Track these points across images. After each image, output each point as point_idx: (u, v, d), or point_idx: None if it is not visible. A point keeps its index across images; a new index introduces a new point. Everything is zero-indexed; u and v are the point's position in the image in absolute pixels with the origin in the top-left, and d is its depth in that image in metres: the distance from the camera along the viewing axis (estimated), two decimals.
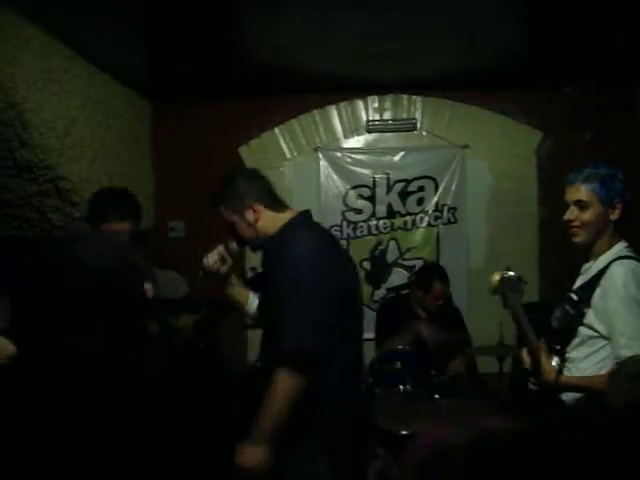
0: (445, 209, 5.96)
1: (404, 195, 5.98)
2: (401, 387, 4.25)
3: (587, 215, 2.64)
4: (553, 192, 5.67)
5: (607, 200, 2.63)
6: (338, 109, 5.99)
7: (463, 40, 4.52)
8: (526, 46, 4.78)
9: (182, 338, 3.66)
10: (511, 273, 2.38)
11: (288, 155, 6.02)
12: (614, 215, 2.64)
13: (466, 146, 5.91)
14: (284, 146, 6.01)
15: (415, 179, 5.97)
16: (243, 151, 5.99)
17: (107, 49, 4.50)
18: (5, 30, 3.55)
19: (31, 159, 4.03)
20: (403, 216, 5.99)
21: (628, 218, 2.68)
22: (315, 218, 5.99)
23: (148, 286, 1.82)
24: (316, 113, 5.99)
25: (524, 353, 2.75)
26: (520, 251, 5.84)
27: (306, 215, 2.93)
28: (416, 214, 5.99)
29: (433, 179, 5.96)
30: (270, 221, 2.86)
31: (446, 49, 4.72)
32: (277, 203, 2.91)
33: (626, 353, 2.40)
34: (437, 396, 4.20)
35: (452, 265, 5.85)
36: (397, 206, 5.99)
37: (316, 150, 5.99)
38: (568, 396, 2.58)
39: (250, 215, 2.88)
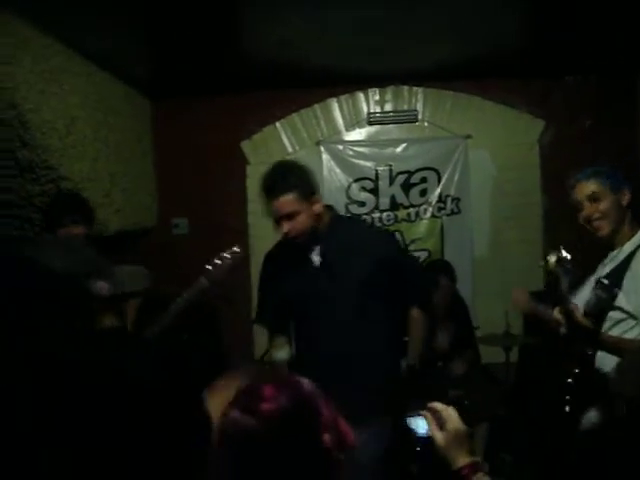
0: (448, 200, 5.95)
1: (407, 187, 5.97)
2: None
3: (602, 205, 2.72)
4: (556, 181, 5.69)
5: (615, 188, 2.73)
6: (339, 102, 5.98)
7: (463, 30, 4.50)
8: (527, 36, 4.76)
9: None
10: (566, 254, 2.43)
11: (290, 149, 6.01)
12: (625, 200, 2.73)
13: (468, 136, 5.90)
14: (286, 140, 6.00)
15: (418, 170, 5.95)
16: (245, 146, 5.99)
17: (106, 47, 4.49)
18: (4, 30, 3.54)
19: (33, 159, 4.03)
20: (406, 208, 5.98)
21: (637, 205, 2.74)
22: None
23: (102, 284, 1.84)
24: (317, 107, 5.98)
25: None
26: (524, 240, 5.84)
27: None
28: (419, 205, 5.98)
29: (436, 170, 5.94)
30: (323, 214, 3.08)
31: (447, 40, 4.71)
32: None
33: None
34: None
35: (456, 255, 5.87)
36: (400, 198, 5.98)
37: (318, 144, 5.98)
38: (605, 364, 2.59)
39: (318, 206, 3.03)
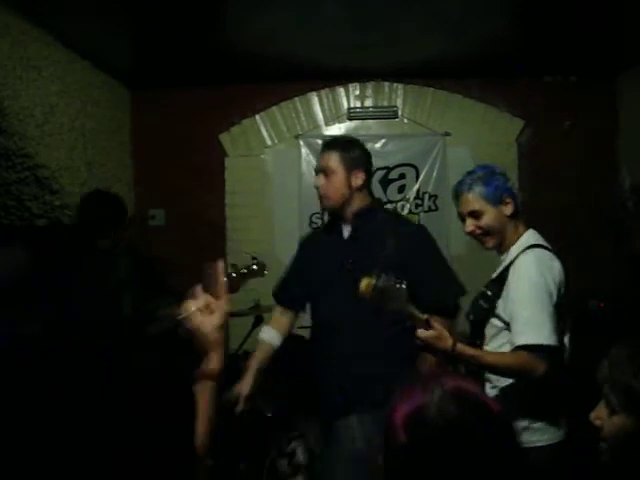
0: (426, 197, 5.96)
1: (385, 183, 5.98)
2: None
3: (484, 221, 2.67)
4: (533, 180, 5.76)
5: (495, 199, 2.67)
6: (319, 96, 5.97)
7: (445, 29, 4.52)
8: (508, 35, 4.78)
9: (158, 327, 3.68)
10: (387, 278, 2.25)
11: (269, 142, 5.99)
12: (507, 210, 2.67)
13: (447, 134, 5.91)
14: (265, 133, 5.98)
15: (396, 167, 5.96)
16: (224, 138, 5.97)
17: (87, 35, 4.46)
18: None
19: (9, 147, 3.99)
20: (384, 204, 5.98)
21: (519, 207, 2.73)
22: (296, 206, 6.01)
23: None
24: (297, 100, 5.96)
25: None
26: None
27: None
28: (397, 202, 5.98)
29: (414, 167, 5.95)
30: (363, 197, 3.13)
31: (428, 37, 4.72)
32: None
33: (518, 340, 2.40)
34: None
35: None
36: (378, 194, 5.96)
37: (297, 137, 5.96)
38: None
39: (359, 179, 3.08)
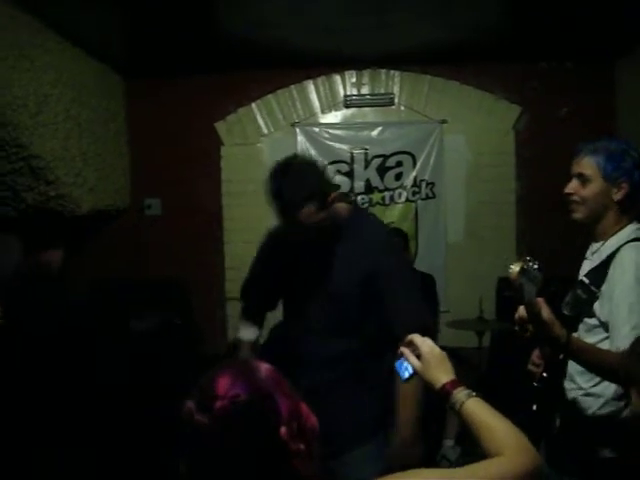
0: (423, 184, 5.94)
1: (382, 170, 5.96)
2: None
3: (587, 191, 2.44)
4: (530, 167, 5.75)
5: (611, 177, 2.41)
6: (315, 84, 5.94)
7: (441, 15, 4.48)
8: (505, 21, 4.75)
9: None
10: (533, 264, 2.15)
11: (265, 131, 5.97)
12: (618, 195, 2.42)
13: (444, 121, 5.89)
14: (261, 122, 5.96)
15: (393, 154, 5.94)
16: (220, 127, 5.94)
17: (80, 24, 4.42)
18: None
19: (3, 137, 3.97)
20: (381, 191, 5.97)
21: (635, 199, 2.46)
22: None
23: None
24: (293, 88, 5.93)
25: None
26: (497, 226, 5.86)
27: None
28: (394, 189, 5.97)
29: (411, 154, 5.94)
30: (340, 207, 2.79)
31: (425, 23, 4.68)
32: None
33: (625, 345, 2.13)
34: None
35: (430, 240, 5.89)
36: (375, 181, 5.97)
37: (293, 125, 5.94)
38: (573, 385, 2.46)
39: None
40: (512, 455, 1.43)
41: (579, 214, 2.48)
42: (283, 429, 1.24)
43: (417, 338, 1.76)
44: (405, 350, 1.77)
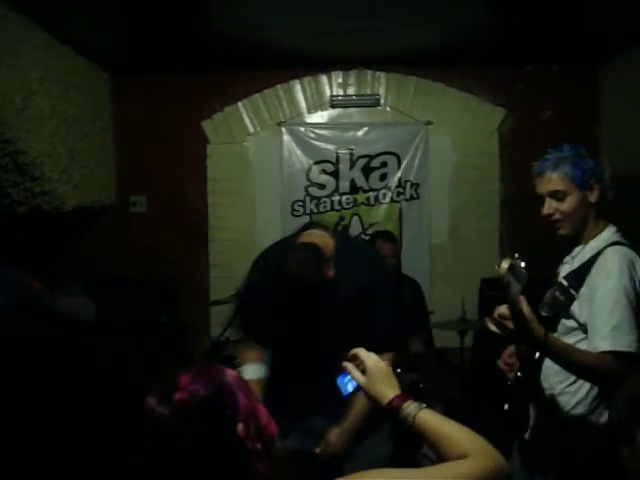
0: (408, 185, 5.97)
1: (367, 171, 5.99)
2: None
3: (567, 205, 2.43)
4: (515, 169, 5.78)
5: (583, 183, 2.42)
6: (302, 84, 5.96)
7: (428, 17, 4.51)
8: (491, 24, 4.78)
9: None
10: (520, 263, 2.16)
11: (251, 130, 5.98)
12: (593, 197, 2.44)
13: (429, 122, 5.92)
14: (247, 121, 5.97)
15: (378, 155, 5.97)
16: (206, 125, 5.94)
17: (67, 20, 4.40)
18: None
19: None
20: (366, 192, 6.00)
21: (606, 197, 2.48)
22: (278, 193, 5.93)
23: None
24: (280, 88, 5.95)
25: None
26: (481, 228, 5.91)
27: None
28: (379, 190, 5.99)
29: (396, 155, 5.96)
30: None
31: (412, 26, 4.71)
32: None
33: (604, 345, 2.25)
34: (399, 370, 4.25)
35: (414, 241, 5.92)
36: (360, 182, 6.00)
37: (279, 125, 5.95)
38: (547, 384, 2.48)
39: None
40: (478, 457, 1.44)
41: (565, 230, 2.49)
42: (240, 426, 1.27)
43: (362, 352, 1.71)
44: (348, 365, 1.72)
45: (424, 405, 1.57)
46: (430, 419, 1.54)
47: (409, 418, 1.55)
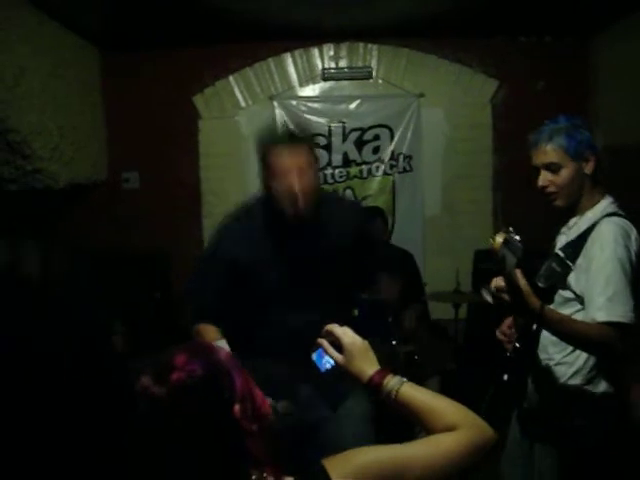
0: (401, 158, 5.97)
1: (360, 144, 5.98)
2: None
3: (562, 177, 2.45)
4: (507, 141, 5.78)
5: (578, 154, 2.42)
6: (293, 57, 5.92)
7: None
8: None
9: None
10: (515, 236, 2.16)
11: (243, 104, 5.95)
12: (588, 168, 2.45)
13: (422, 95, 5.90)
14: (239, 95, 5.93)
15: (371, 128, 5.95)
16: (197, 100, 5.91)
17: None
18: None
19: None
20: (359, 165, 5.99)
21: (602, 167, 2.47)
22: None
23: None
24: (271, 61, 5.91)
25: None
26: (474, 200, 5.92)
27: None
28: (372, 163, 5.99)
29: (389, 127, 5.95)
30: None
31: None
32: None
33: (600, 316, 2.26)
34: (394, 342, 4.28)
35: (407, 213, 5.93)
36: (353, 155, 5.99)
37: (271, 98, 5.93)
38: (545, 355, 2.50)
39: None
40: (466, 428, 1.43)
41: (560, 201, 2.50)
42: (237, 407, 1.27)
43: (337, 329, 1.66)
44: (323, 342, 1.67)
45: (404, 379, 1.54)
46: (413, 393, 1.51)
47: (392, 393, 1.52)
